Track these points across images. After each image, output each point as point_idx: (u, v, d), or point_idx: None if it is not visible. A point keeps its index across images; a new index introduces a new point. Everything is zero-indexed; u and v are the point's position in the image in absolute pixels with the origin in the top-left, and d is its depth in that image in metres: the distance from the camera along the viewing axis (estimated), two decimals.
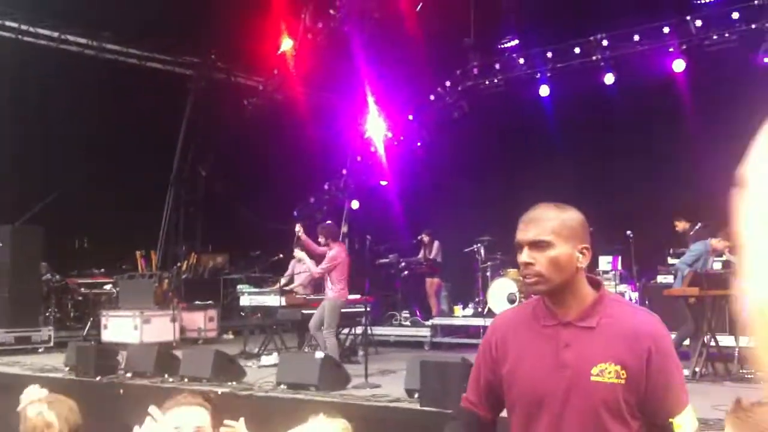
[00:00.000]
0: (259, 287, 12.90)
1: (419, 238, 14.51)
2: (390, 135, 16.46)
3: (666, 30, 13.48)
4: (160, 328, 13.37)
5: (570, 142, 14.23)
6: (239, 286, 12.66)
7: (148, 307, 13.71)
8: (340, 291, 10.37)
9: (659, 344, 2.24)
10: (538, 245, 2.30)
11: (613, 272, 12.58)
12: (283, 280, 12.28)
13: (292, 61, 16.95)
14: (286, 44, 16.89)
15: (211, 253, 17.18)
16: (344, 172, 17.05)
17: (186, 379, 9.37)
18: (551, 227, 2.30)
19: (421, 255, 14.50)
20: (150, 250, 16.45)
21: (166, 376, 9.63)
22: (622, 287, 12.37)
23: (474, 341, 12.64)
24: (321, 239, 10.70)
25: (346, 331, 11.64)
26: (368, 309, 10.78)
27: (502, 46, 15.30)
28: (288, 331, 12.62)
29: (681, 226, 10.98)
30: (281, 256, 12.77)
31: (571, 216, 2.36)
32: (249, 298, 12.02)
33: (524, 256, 2.32)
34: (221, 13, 15.00)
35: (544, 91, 14.67)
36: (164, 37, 16.60)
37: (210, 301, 14.96)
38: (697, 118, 12.88)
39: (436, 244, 14.39)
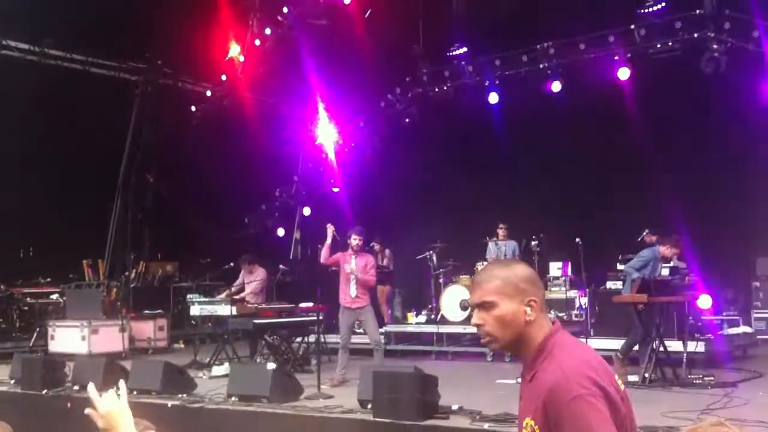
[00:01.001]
0: (210, 296, 12.74)
1: (371, 245, 14.48)
2: (341, 141, 16.42)
3: (611, 39, 13.69)
4: (109, 338, 13.15)
5: (519, 149, 14.37)
6: (189, 296, 12.48)
7: (96, 316, 13.47)
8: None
9: (553, 398, 2.16)
10: (484, 306, 2.38)
11: (564, 278, 12.75)
12: (233, 289, 12.15)
13: (240, 67, 16.83)
14: (234, 50, 16.77)
15: (161, 261, 16.92)
16: (295, 178, 16.96)
17: (135, 392, 9.19)
18: (494, 287, 2.38)
19: None
20: (97, 258, 16.14)
21: (114, 388, 9.43)
22: (572, 293, 12.55)
23: (427, 348, 12.70)
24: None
25: (299, 340, 11.55)
26: (321, 317, 10.72)
27: (451, 53, 15.37)
28: (240, 339, 12.49)
29: (648, 237, 11.07)
30: (232, 264, 12.63)
31: (515, 272, 2.42)
32: (199, 307, 11.86)
33: (474, 317, 2.43)
34: (168, 18, 14.78)
35: (493, 98, 14.78)
36: (109, 43, 16.30)
37: (159, 310, 14.74)
38: (643, 124, 13.11)
39: (387, 251, 14.40)
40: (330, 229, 10.21)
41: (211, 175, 15.94)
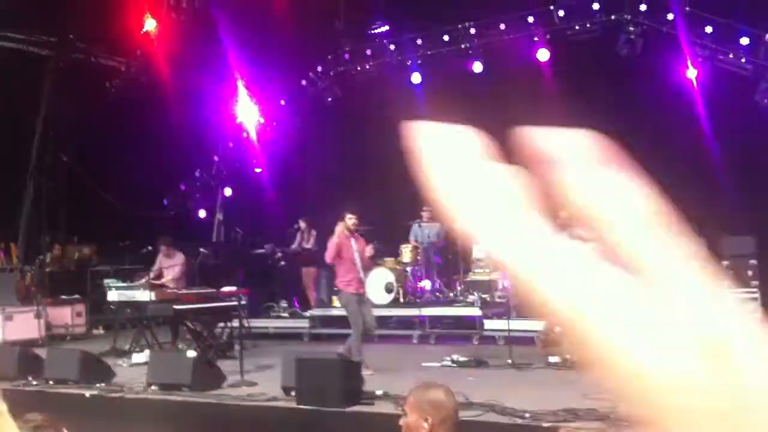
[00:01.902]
0: (130, 280, 12.45)
1: (296, 226, 14.38)
2: (262, 120, 16.20)
3: (530, 19, 13.85)
4: (24, 325, 12.77)
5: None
6: (106, 281, 12.16)
7: (10, 302, 13.06)
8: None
9: None
10: (404, 412, 3.38)
11: (487, 260, 12.91)
12: (151, 274, 11.89)
13: (156, 42, 16.38)
14: (150, 24, 16.30)
15: (77, 244, 16.42)
16: (216, 158, 16.67)
17: (51, 382, 8.97)
18: (410, 402, 3.38)
19: (296, 244, 14.37)
20: (10, 242, 15.55)
21: (29, 378, 9.19)
22: (495, 275, 12.71)
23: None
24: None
25: (221, 325, 11.40)
26: (243, 302, 10.62)
27: (373, 31, 15.30)
28: (161, 325, 12.24)
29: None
30: (150, 248, 12.35)
31: (427, 394, 3.40)
32: (117, 292, 11.56)
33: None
34: None
35: (416, 78, 14.80)
36: (18, 14, 15.60)
37: (77, 296, 14.33)
38: (561, 106, 13.30)
39: (313, 233, 14.29)
40: (340, 228, 9.51)
41: (128, 155, 15.48)
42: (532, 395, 7.39)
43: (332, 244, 9.47)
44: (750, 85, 12.22)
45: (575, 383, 8.04)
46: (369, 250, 9.74)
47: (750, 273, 12.85)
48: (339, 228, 9.46)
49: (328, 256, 9.57)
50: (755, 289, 12.83)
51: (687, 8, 12.55)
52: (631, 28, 13.01)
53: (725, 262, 13.38)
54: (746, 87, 12.19)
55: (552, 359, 9.30)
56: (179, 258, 12.11)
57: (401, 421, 3.44)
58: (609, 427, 6.08)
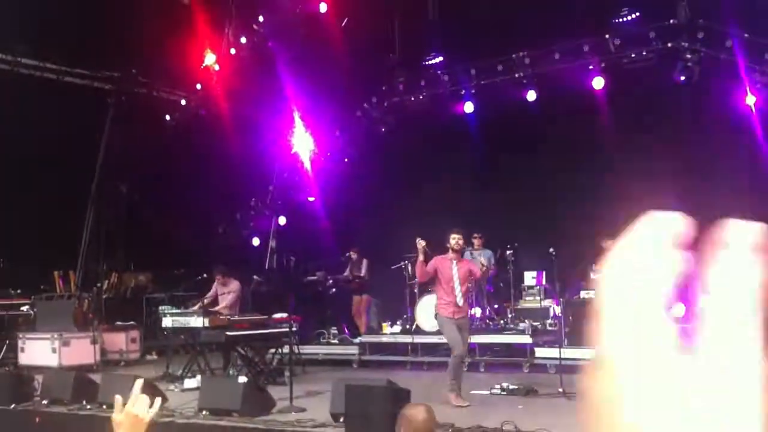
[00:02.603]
0: (184, 307, 12.61)
1: (347, 255, 14.44)
2: (317, 151, 16.35)
3: (585, 48, 13.75)
4: (80, 350, 12.98)
5: (495, 159, 14.38)
6: (161, 307, 12.35)
7: (68, 328, 13.30)
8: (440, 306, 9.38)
9: None
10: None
11: (538, 287, 12.75)
12: (206, 301, 12.03)
13: (216, 76, 16.75)
14: (210, 59, 16.69)
15: (134, 272, 16.75)
16: (271, 188, 16.86)
17: (105, 406, 9.08)
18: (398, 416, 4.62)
19: (347, 272, 14.42)
20: (69, 270, 15.94)
21: (84, 402, 9.33)
22: (547, 302, 12.55)
23: (402, 359, 12.65)
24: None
25: (272, 351, 11.46)
26: (294, 328, 10.64)
27: (427, 62, 15.39)
28: (214, 351, 12.35)
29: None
30: (205, 275, 12.51)
31: (406, 411, 4.65)
32: (171, 318, 11.71)
33: None
34: (143, 26, 14.70)
35: (469, 107, 14.79)
36: (83, 51, 16.16)
37: (132, 322, 14.57)
38: (617, 135, 13.15)
39: (364, 261, 14.34)
40: (420, 244, 9.19)
41: (185, 185, 15.82)
42: (581, 424, 7.20)
43: (418, 264, 9.26)
44: None
45: None
46: (480, 269, 9.48)
47: None
48: (421, 243, 9.21)
49: (418, 276, 9.44)
50: None
51: (746, 35, 12.32)
52: (688, 56, 12.80)
53: None
54: None
55: None
56: (234, 285, 12.24)
57: None
58: None
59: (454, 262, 9.12)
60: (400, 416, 4.61)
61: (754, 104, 12.23)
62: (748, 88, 12.28)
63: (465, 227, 13.26)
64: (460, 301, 9.03)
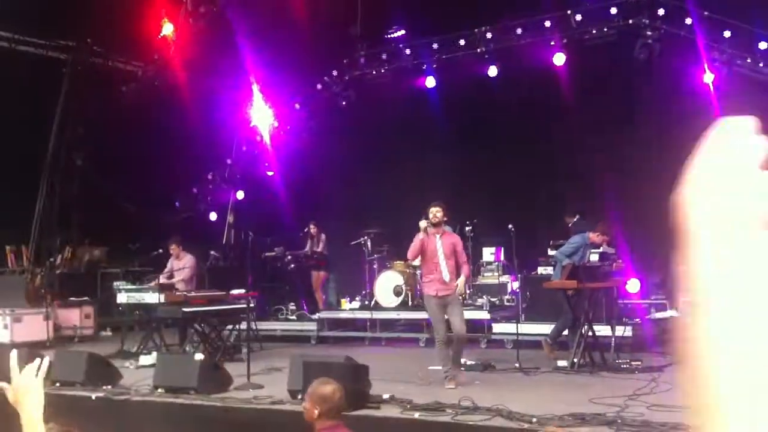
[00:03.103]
0: (140, 282, 12.41)
1: (306, 230, 14.32)
2: (276, 124, 16.15)
3: (547, 24, 13.73)
4: (32, 326, 12.75)
5: (455, 133, 14.34)
6: (116, 283, 12.12)
7: (20, 304, 13.04)
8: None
9: None
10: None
11: (496, 263, 12.78)
12: (162, 277, 11.84)
13: (173, 47, 16.39)
14: (167, 29, 16.31)
15: (88, 246, 16.43)
16: (229, 161, 16.64)
17: (58, 384, 8.91)
18: (308, 393, 4.82)
19: (308, 247, 14.32)
20: (21, 244, 15.58)
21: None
22: (504, 278, 12.60)
23: (361, 334, 12.62)
24: None
25: (229, 327, 11.33)
26: (252, 304, 10.54)
27: (389, 36, 15.24)
28: (170, 327, 12.19)
29: (569, 220, 11.25)
30: (161, 250, 12.31)
31: (318, 389, 4.78)
32: (126, 294, 11.52)
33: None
34: None
35: (431, 82, 14.73)
36: (37, 20, 15.68)
37: (86, 297, 14.32)
38: (576, 110, 13.18)
39: (323, 236, 14.24)
40: (423, 224, 8.61)
41: (142, 158, 15.52)
42: (538, 399, 7.27)
43: (414, 240, 8.66)
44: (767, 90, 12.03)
45: (583, 388, 7.93)
46: (460, 250, 8.78)
47: None
48: (423, 223, 8.60)
49: (409, 253, 8.82)
50: None
51: (705, 13, 12.38)
52: (649, 33, 12.85)
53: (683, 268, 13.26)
54: (764, 92, 12.00)
55: (560, 363, 9.19)
56: (189, 260, 12.07)
57: (303, 406, 4.85)
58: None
59: (438, 236, 8.62)
60: (311, 394, 4.76)
61: (712, 82, 12.32)
62: (706, 66, 12.37)
63: (425, 202, 13.25)
64: (447, 277, 8.48)
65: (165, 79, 16.53)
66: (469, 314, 11.91)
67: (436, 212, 8.60)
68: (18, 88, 14.46)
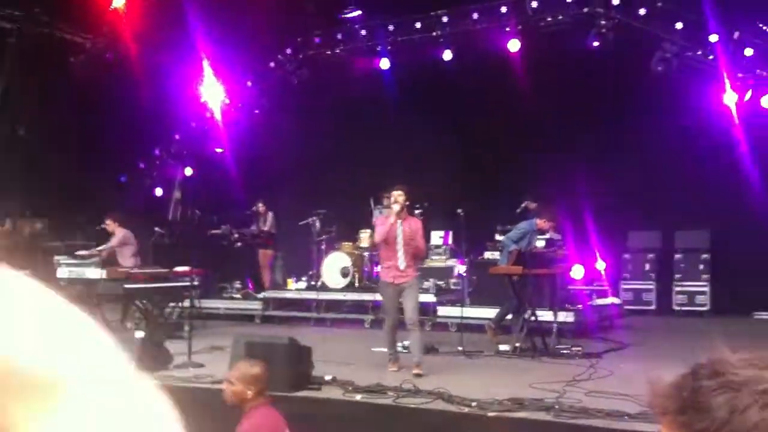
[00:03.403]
0: (81, 257, 12.14)
1: (254, 208, 14.19)
2: (228, 101, 15.93)
3: (503, 9, 13.74)
4: None
5: (409, 116, 14.29)
6: (56, 257, 11.84)
7: None
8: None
9: None
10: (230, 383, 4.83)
11: (444, 247, 12.82)
12: (104, 254, 11.62)
13: (124, 19, 16.02)
14: (118, 1, 15.94)
15: (29, 219, 16.02)
16: (177, 137, 16.37)
17: None
18: (238, 375, 4.82)
19: (254, 226, 14.19)
20: None
21: None
22: (451, 261, 12.65)
23: (306, 315, 12.58)
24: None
25: (173, 305, 11.17)
26: (195, 282, 10.41)
27: (344, 16, 15.11)
28: (112, 303, 11.97)
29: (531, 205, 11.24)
30: (105, 224, 12.08)
31: (251, 370, 4.83)
32: (68, 269, 11.27)
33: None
34: None
35: (385, 63, 14.66)
36: None
37: (26, 271, 13.94)
38: (527, 97, 13.24)
39: (270, 215, 14.12)
40: (396, 208, 8.21)
41: (88, 131, 15.18)
42: (480, 383, 7.32)
43: (385, 223, 8.33)
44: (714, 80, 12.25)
45: (523, 372, 8.02)
46: (419, 236, 8.41)
47: (701, 267, 13.04)
48: (396, 207, 8.25)
49: (377, 236, 8.51)
50: (705, 283, 13.00)
51: (659, 4, 12.51)
52: (603, 22, 12.93)
53: (626, 255, 13.62)
54: (711, 81, 12.25)
55: (502, 347, 9.28)
56: (118, 235, 11.87)
57: (229, 389, 4.81)
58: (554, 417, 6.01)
59: (399, 221, 8.25)
60: (244, 376, 4.85)
61: (664, 70, 12.42)
62: (657, 55, 12.48)
63: (375, 185, 13.22)
64: (402, 265, 8.18)
65: (115, 51, 16.16)
66: None
67: (397, 196, 8.25)
68: None
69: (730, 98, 11.96)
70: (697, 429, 0.92)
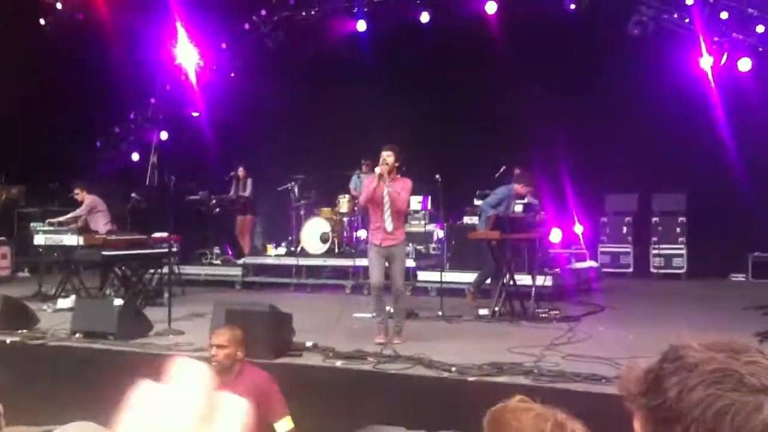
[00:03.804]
0: (58, 224, 12.05)
1: (233, 173, 14.09)
2: (202, 63, 15.73)
3: None
4: None
5: (386, 79, 14.20)
6: (33, 224, 11.75)
7: None
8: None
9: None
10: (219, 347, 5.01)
11: (423, 212, 12.85)
12: (78, 218, 11.53)
13: None
14: None
15: (4, 185, 15.85)
16: (152, 101, 16.17)
17: None
18: (229, 337, 5.05)
19: (232, 191, 14.11)
20: None
21: None
22: (431, 227, 12.69)
23: (285, 280, 12.59)
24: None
25: (151, 271, 11.13)
26: (174, 248, 10.37)
27: None
28: (89, 268, 11.90)
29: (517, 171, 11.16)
30: (75, 193, 11.95)
31: (239, 334, 5.14)
32: (44, 236, 11.18)
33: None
34: None
35: (361, 26, 14.52)
36: None
37: (2, 237, 13.88)
38: (506, 60, 13.19)
39: (249, 180, 14.04)
40: (379, 170, 7.95)
41: (61, 95, 14.94)
42: (460, 348, 7.39)
43: (369, 185, 8.09)
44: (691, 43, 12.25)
45: (502, 337, 8.10)
46: (404, 194, 8.06)
47: (678, 230, 13.19)
48: (378, 169, 7.95)
49: (362, 199, 8.32)
50: (682, 246, 13.16)
51: None
52: None
53: (603, 219, 13.76)
54: (686, 45, 12.26)
55: (482, 312, 9.35)
56: (87, 200, 11.77)
57: (221, 353, 4.92)
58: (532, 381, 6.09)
59: (387, 183, 7.98)
60: (235, 338, 5.10)
61: (638, 33, 12.40)
62: (634, 18, 12.46)
63: (353, 150, 13.18)
64: (389, 227, 7.97)
65: (87, 12, 15.87)
66: None
67: (386, 157, 7.95)
68: None
69: (706, 62, 11.99)
70: (652, 407, 1.00)
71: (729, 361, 0.97)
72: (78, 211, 11.69)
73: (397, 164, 8.04)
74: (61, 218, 11.68)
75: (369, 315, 9.42)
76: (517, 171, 10.89)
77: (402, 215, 8.34)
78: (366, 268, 11.84)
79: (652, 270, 13.30)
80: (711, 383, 0.94)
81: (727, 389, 0.94)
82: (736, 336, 1.08)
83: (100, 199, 11.90)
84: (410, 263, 11.66)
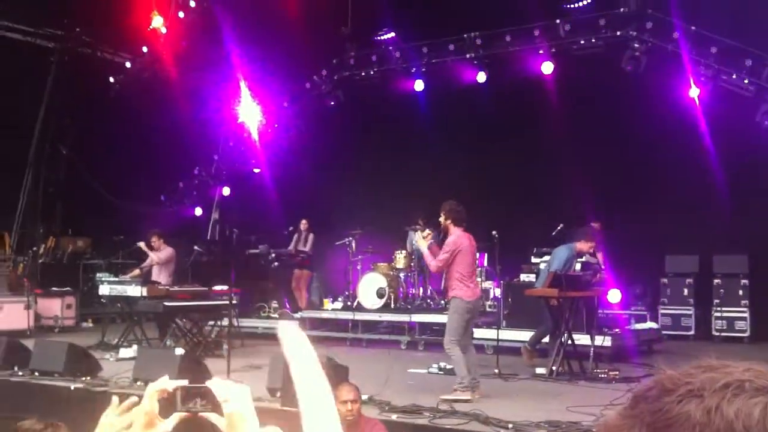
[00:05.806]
0: (122, 274, 12.40)
1: (294, 226, 14.32)
2: (264, 121, 16.15)
3: (536, 32, 13.80)
4: (13, 315, 12.72)
5: (443, 138, 14.38)
6: (98, 275, 12.12)
7: (1, 293, 12.96)
8: (465, 289, 8.16)
9: None
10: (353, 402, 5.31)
11: (479, 269, 12.83)
12: (144, 269, 11.85)
13: (162, 39, 16.36)
14: (157, 21, 16.28)
15: (72, 237, 16.37)
16: (216, 157, 16.62)
17: (37, 373, 8.91)
18: (355, 393, 5.30)
19: (292, 245, 14.32)
20: (4, 232, 15.50)
21: (15, 369, 9.13)
22: (488, 284, 12.66)
23: (342, 335, 12.65)
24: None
25: (211, 323, 11.33)
26: (234, 300, 10.55)
27: (379, 38, 15.29)
28: (152, 320, 12.18)
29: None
30: (143, 243, 12.29)
31: (353, 387, 5.40)
32: (109, 287, 11.51)
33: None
34: None
35: (419, 85, 14.76)
36: (27, 7, 15.60)
37: (68, 288, 14.28)
38: (562, 119, 13.27)
39: (311, 235, 14.24)
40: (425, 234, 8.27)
41: (128, 151, 15.48)
42: (516, 406, 7.34)
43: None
44: (752, 106, 12.16)
45: (560, 395, 8.01)
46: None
47: (741, 293, 12.88)
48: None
49: (436, 266, 8.39)
50: (745, 309, 12.85)
51: (693, 27, 12.50)
52: (636, 45, 12.95)
53: (663, 280, 13.46)
54: (747, 108, 12.15)
55: (538, 370, 9.26)
56: (167, 251, 12.08)
57: (355, 407, 5.28)
58: None
59: (471, 237, 8.07)
60: (354, 390, 5.44)
61: (698, 96, 12.42)
62: (692, 80, 12.47)
63: (410, 206, 13.31)
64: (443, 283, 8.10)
65: (153, 72, 16.49)
66: None
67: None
68: (5, 76, 14.39)
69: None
70: None
71: (726, 375, 0.92)
72: (156, 259, 11.98)
73: (448, 221, 8.26)
74: (139, 268, 11.95)
75: (424, 370, 9.44)
76: (580, 229, 10.81)
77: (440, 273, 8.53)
78: (421, 324, 11.94)
79: (714, 333, 12.99)
80: (733, 396, 0.89)
81: (751, 396, 0.89)
82: None
83: (174, 252, 12.26)
84: None
